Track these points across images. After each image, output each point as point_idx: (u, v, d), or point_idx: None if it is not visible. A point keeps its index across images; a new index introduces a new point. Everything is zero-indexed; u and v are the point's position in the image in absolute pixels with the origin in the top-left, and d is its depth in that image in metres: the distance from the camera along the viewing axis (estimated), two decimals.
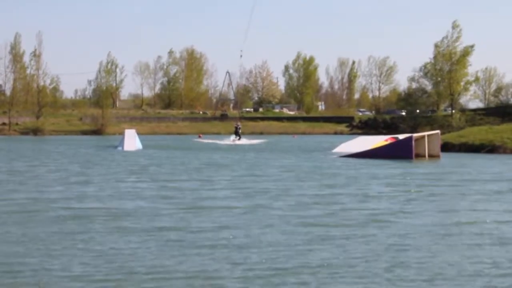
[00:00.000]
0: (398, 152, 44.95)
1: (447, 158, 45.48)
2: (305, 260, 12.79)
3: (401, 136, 52.65)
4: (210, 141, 79.36)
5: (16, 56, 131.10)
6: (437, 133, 49.34)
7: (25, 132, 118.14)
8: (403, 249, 13.92)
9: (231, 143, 73.86)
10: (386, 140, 53.03)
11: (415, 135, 48.10)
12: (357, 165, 38.23)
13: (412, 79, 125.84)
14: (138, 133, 71.18)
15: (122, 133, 73.82)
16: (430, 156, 46.22)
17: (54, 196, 22.40)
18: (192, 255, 13.16)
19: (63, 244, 14.20)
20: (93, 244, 14.24)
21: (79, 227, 16.30)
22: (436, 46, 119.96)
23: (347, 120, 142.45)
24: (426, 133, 48.94)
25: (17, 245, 14.08)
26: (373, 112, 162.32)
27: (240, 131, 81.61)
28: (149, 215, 18.24)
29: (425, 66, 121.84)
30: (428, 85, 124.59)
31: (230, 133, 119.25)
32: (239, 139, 78.33)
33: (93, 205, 20.28)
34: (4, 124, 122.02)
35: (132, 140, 61.80)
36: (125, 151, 55.19)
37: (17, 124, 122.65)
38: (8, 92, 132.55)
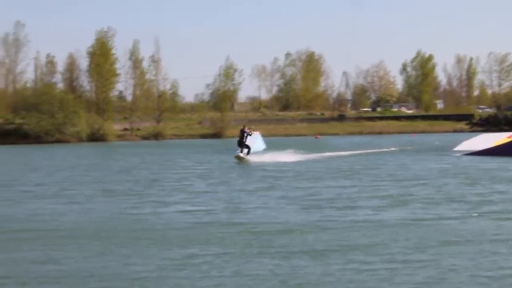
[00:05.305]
0: None
1: None
2: None
3: None
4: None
5: (135, 62, 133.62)
6: None
7: (146, 137, 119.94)
8: None
9: (236, 161, 45.26)
10: (510, 137, 51.81)
11: None
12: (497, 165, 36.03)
13: None
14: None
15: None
16: None
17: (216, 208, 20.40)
18: None
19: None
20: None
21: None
22: None
23: (466, 117, 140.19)
24: None
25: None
26: (494, 108, 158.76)
27: (246, 140, 46.28)
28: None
29: None
30: None
31: (348, 134, 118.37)
32: (248, 152, 46.07)
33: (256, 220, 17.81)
34: (125, 129, 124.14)
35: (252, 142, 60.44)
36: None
37: (138, 129, 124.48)
38: (129, 98, 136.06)
